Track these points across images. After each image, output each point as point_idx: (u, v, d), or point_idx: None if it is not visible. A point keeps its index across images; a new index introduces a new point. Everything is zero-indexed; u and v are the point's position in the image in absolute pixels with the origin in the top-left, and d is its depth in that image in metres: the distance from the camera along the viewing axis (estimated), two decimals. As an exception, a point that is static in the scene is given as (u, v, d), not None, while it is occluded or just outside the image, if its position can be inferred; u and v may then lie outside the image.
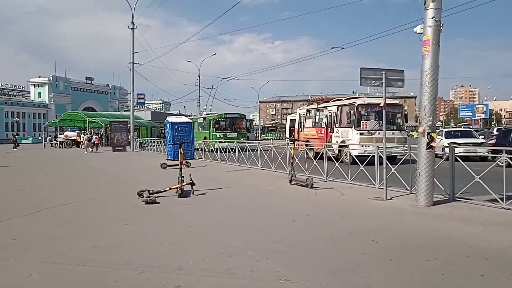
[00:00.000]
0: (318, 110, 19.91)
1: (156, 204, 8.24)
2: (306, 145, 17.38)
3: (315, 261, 4.56)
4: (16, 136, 46.58)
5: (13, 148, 37.58)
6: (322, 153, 12.21)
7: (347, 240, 5.38)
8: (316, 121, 19.95)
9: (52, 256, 4.91)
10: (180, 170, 9.72)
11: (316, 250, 4.96)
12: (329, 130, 18.20)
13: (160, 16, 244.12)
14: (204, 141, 23.37)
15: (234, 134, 27.50)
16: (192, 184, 9.33)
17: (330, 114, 18.50)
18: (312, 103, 21.41)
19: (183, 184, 9.24)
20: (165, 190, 9.04)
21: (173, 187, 9.11)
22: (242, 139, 25.65)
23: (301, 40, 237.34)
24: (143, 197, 8.52)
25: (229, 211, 7.48)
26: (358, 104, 16.76)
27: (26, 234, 6.08)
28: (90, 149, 29.17)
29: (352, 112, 16.72)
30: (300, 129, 21.89)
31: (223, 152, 18.25)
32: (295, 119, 31.29)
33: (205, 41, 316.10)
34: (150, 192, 8.73)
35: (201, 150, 21.09)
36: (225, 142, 20.30)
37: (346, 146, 14.22)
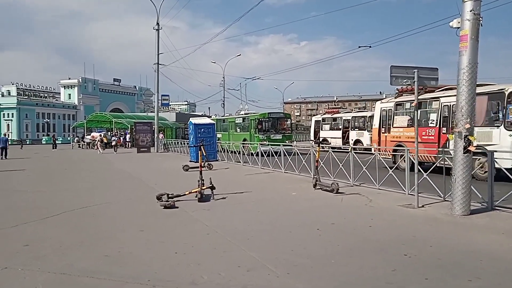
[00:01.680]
0: (422, 103, 14.09)
1: (175, 208, 7.98)
2: (396, 150, 14.10)
3: (341, 278, 4.13)
4: (55, 137, 47.14)
5: (53, 148, 38.29)
6: (433, 163, 9.67)
7: (376, 254, 4.91)
8: (418, 117, 13.82)
9: (61, 265, 4.67)
10: (200, 173, 9.44)
11: (342, 265, 4.52)
12: (445, 130, 13.19)
13: (186, 18, 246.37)
14: (243, 144, 20.98)
15: (279, 136, 24.49)
16: (212, 188, 9.01)
17: (446, 107, 13.31)
18: (402, 94, 15.79)
19: (203, 188, 8.95)
20: (185, 194, 8.77)
21: (192, 191, 8.83)
22: (287, 141, 23.28)
23: (327, 40, 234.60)
24: (162, 201, 8.28)
25: (249, 218, 7.10)
26: (511, 92, 11.48)
27: (39, 240, 5.90)
28: (102, 150, 30.25)
29: (499, 103, 11.61)
30: (383, 129, 16.38)
31: (264, 156, 15.88)
32: (320, 120, 30.79)
33: (231, 42, 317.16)
34: (169, 196, 8.47)
35: (234, 152, 19.45)
36: (268, 145, 17.62)
37: (484, 153, 9.56)
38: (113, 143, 31.62)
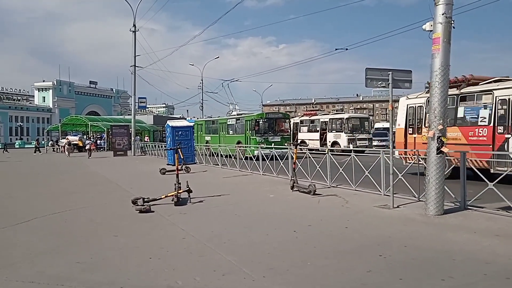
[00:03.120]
0: (466, 97, 12.28)
1: (151, 213, 7.86)
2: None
3: (317, 280, 4.12)
4: (39, 141, 43.96)
5: (34, 152, 37.07)
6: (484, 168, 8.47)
7: (352, 255, 4.93)
8: (462, 116, 12.33)
9: (30, 273, 4.52)
10: (177, 177, 9.30)
11: (318, 267, 4.51)
12: (501, 129, 11.01)
13: (165, 20, 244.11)
14: (238, 147, 18.83)
15: (277, 138, 22.67)
16: (189, 191, 8.92)
17: (503, 102, 11.15)
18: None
19: (179, 191, 8.84)
20: (161, 198, 8.64)
21: (169, 195, 8.71)
22: (285, 144, 20.82)
23: (305, 43, 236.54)
24: (137, 205, 8.13)
25: (226, 221, 7.04)
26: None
27: (9, 247, 5.73)
28: (68, 154, 30.01)
29: None
30: (410, 130, 14.02)
31: (267, 160, 14.21)
32: (298, 122, 30.93)
33: (210, 45, 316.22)
34: (145, 200, 8.34)
35: (229, 156, 17.38)
36: (266, 148, 16.18)
37: None
38: (87, 147, 30.10)
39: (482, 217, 6.79)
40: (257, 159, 14.92)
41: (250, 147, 19.85)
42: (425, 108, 12.89)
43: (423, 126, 12.96)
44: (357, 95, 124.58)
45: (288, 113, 29.61)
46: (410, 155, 11.88)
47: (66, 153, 30.37)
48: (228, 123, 26.94)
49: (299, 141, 26.67)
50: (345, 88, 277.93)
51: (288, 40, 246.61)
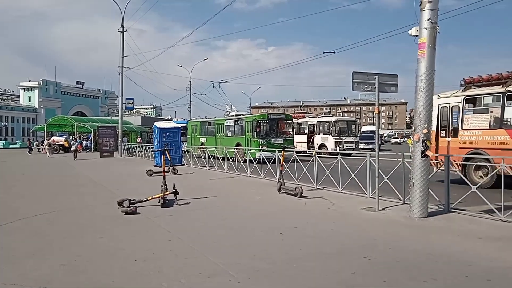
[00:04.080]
0: None
1: (137, 214, 7.79)
2: (469, 159, 11.09)
3: (302, 283, 4.14)
4: (31, 141, 43.06)
5: (29, 152, 36.39)
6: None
7: (337, 258, 4.97)
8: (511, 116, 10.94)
9: (12, 276, 4.44)
10: (164, 178, 9.26)
11: (303, 270, 4.53)
12: None
13: (154, 21, 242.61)
14: (236, 149, 18.47)
15: (280, 141, 21.65)
16: (176, 193, 8.87)
17: None
18: (471, 86, 11.96)
19: (166, 193, 8.80)
20: (147, 200, 8.59)
21: (155, 196, 8.66)
22: (289, 146, 20.51)
23: (295, 46, 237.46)
24: (123, 207, 8.06)
25: (213, 224, 7.03)
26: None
27: (-11, 249, 5.61)
28: (49, 154, 29.97)
29: None
30: (443, 132, 12.53)
31: (268, 164, 13.34)
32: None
33: (199, 46, 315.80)
34: (131, 201, 8.27)
35: (229, 159, 16.36)
36: (268, 150, 15.48)
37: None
38: (73, 148, 28.77)
39: (465, 220, 6.90)
40: (258, 162, 14.39)
41: (250, 149, 18.44)
42: (463, 108, 11.84)
43: (460, 129, 11.86)
44: (344, 98, 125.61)
45: (290, 114, 27.77)
46: (440, 160, 9.94)
47: (47, 154, 30.12)
48: (226, 124, 25.71)
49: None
50: (333, 91, 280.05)
51: (278, 43, 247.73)
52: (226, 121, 26.01)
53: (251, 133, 22.11)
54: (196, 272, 4.47)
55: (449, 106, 12.41)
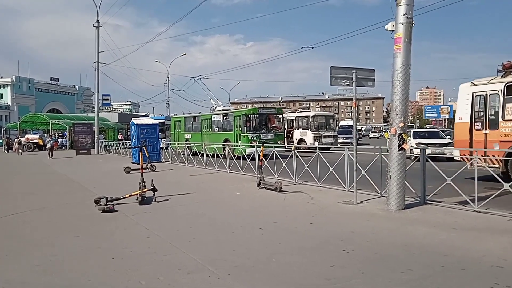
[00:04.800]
0: None
1: (114, 212, 7.68)
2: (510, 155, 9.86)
3: (281, 277, 4.15)
4: (10, 139, 38.86)
5: (7, 151, 35.05)
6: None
7: (316, 251, 5.00)
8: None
9: (-16, 278, 4.31)
10: (141, 175, 9.16)
11: (283, 264, 4.54)
12: None
13: (131, 16, 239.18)
14: (225, 145, 17.64)
15: (270, 136, 20.97)
16: (154, 190, 8.77)
17: None
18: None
19: (144, 190, 8.69)
20: (125, 197, 8.47)
21: (133, 194, 8.54)
22: (279, 142, 20.77)
23: (273, 41, 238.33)
24: (100, 205, 7.92)
25: (192, 220, 6.98)
26: None
27: (-39, 251, 5.42)
28: (21, 152, 30.13)
29: None
30: (478, 124, 11.18)
31: (265, 162, 11.73)
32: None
33: (177, 42, 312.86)
34: (108, 199, 8.14)
35: (217, 156, 15.81)
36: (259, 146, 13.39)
37: None
38: (48, 146, 26.33)
39: (440, 211, 7.04)
40: (243, 158, 13.50)
41: (240, 145, 17.57)
42: (504, 96, 10.45)
43: (501, 120, 10.50)
44: (323, 93, 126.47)
45: (281, 108, 26.35)
46: (477, 155, 8.95)
47: (18, 152, 29.70)
48: (212, 119, 24.57)
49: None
50: (311, 86, 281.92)
51: (256, 38, 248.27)
52: (212, 116, 24.93)
53: (240, 128, 21.28)
54: (175, 269, 4.43)
55: (486, 95, 11.00)
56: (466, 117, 11.41)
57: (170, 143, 21.77)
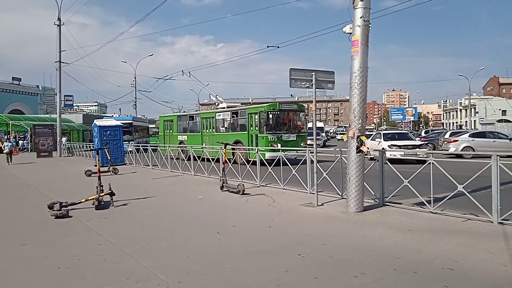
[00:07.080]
0: None
1: (68, 218, 7.38)
2: None
3: (233, 284, 4.05)
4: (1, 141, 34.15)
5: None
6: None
7: (272, 255, 4.92)
8: None
9: None
10: (99, 179, 8.87)
11: (236, 270, 4.44)
12: None
13: (98, 15, 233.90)
14: (236, 148, 15.35)
15: (293, 137, 18.12)
16: (112, 194, 8.51)
17: None
18: None
19: (101, 194, 8.41)
20: (81, 202, 8.16)
21: (89, 198, 8.25)
22: (301, 144, 17.97)
23: (243, 43, 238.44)
24: (53, 210, 7.59)
25: (149, 225, 6.77)
26: None
27: None
28: None
29: None
30: None
31: (281, 166, 10.36)
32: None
33: (146, 42, 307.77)
34: (63, 204, 7.80)
35: (196, 159, 13.95)
36: (279, 150, 12.00)
37: None
38: (6, 151, 22.41)
39: (398, 212, 7.12)
40: (276, 164, 10.64)
41: (257, 149, 11.82)
42: None
43: None
44: (291, 95, 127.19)
45: (303, 104, 21.89)
46: None
47: None
48: (217, 118, 21.30)
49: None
50: (281, 88, 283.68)
51: (226, 40, 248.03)
52: (217, 114, 21.49)
53: (257, 128, 18.13)
54: (124, 277, 4.25)
55: None
56: None
57: (159, 146, 18.55)
